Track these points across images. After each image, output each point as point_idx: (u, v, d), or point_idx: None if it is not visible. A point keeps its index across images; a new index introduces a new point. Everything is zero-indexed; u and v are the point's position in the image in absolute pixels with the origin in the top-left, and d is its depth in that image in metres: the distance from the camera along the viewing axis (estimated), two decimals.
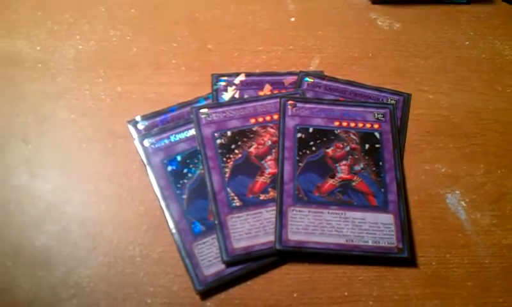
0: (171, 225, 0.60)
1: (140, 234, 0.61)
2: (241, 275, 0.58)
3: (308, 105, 0.68)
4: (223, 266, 0.58)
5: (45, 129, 0.68)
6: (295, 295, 0.57)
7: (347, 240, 0.59)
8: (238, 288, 0.58)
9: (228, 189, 0.62)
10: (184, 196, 0.62)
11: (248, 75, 0.72)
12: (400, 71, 0.75)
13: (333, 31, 0.79)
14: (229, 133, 0.66)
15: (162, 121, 0.67)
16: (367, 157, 0.65)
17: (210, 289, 0.57)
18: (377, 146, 0.66)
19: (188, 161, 0.64)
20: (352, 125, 0.67)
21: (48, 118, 0.69)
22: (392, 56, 0.77)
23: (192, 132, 0.66)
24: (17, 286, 0.57)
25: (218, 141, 0.65)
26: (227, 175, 0.63)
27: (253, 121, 0.67)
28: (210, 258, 0.58)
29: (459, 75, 0.75)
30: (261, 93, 0.70)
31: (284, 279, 0.58)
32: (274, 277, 0.58)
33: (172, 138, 0.65)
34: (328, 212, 0.60)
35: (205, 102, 0.69)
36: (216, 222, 0.60)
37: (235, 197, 0.61)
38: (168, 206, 0.61)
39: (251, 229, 0.60)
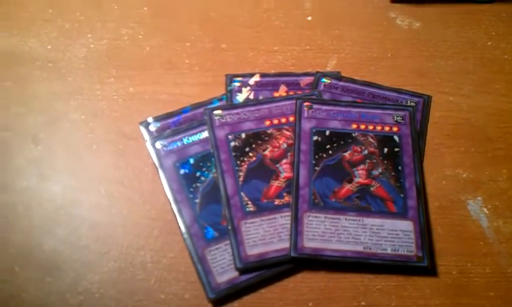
0: (183, 230, 0.58)
1: (151, 239, 0.59)
2: (255, 283, 0.56)
3: (324, 107, 0.66)
4: (236, 273, 0.56)
5: (55, 130, 0.66)
6: (310, 304, 0.56)
7: (364, 248, 0.57)
8: (252, 296, 0.56)
9: (242, 194, 0.60)
10: (197, 200, 0.60)
11: (262, 75, 0.70)
12: (420, 72, 0.73)
13: (350, 31, 0.77)
14: (243, 135, 0.64)
15: (175, 122, 0.66)
16: (385, 161, 0.63)
17: (222, 297, 0.55)
18: (396, 149, 0.64)
19: (201, 164, 0.62)
20: (371, 127, 0.65)
21: (59, 118, 0.67)
22: (412, 56, 0.74)
23: (205, 134, 0.64)
24: (26, 292, 0.56)
25: (232, 144, 0.63)
26: (241, 179, 0.61)
27: (268, 123, 0.65)
28: (223, 264, 0.57)
29: (480, 77, 0.73)
30: (276, 94, 0.68)
31: (299, 287, 0.57)
32: (289, 285, 0.57)
33: (185, 140, 0.64)
34: (345, 219, 0.59)
35: (218, 103, 0.68)
36: (229, 227, 0.58)
37: (249, 202, 0.60)
38: (180, 210, 0.59)
39: (266, 235, 0.58)
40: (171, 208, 0.60)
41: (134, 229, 0.60)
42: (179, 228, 0.59)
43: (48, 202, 0.62)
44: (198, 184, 0.61)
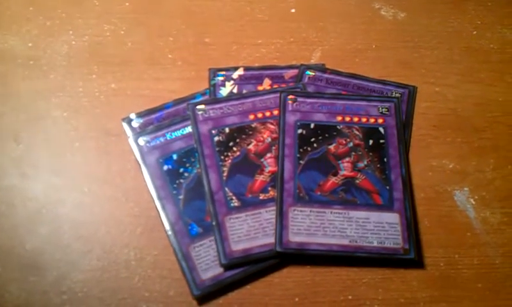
0: (167, 227, 0.58)
1: (135, 236, 0.58)
2: (240, 279, 0.56)
3: (309, 100, 0.65)
4: (221, 269, 0.55)
5: (37, 128, 0.65)
6: (296, 299, 0.55)
7: (350, 241, 0.56)
8: (237, 292, 0.56)
9: (226, 189, 0.59)
10: (181, 197, 0.59)
11: (246, 69, 0.69)
12: (405, 63, 0.72)
13: (334, 22, 0.76)
14: (227, 130, 0.63)
15: (158, 118, 0.65)
16: (370, 153, 0.62)
17: (207, 293, 0.55)
18: (381, 141, 0.63)
19: (184, 160, 0.61)
20: (356, 119, 0.64)
21: (40, 116, 0.66)
22: (397, 47, 0.74)
23: (188, 129, 0.63)
24: (8, 292, 0.55)
25: (215, 138, 0.62)
26: (225, 174, 0.60)
27: (252, 117, 0.64)
28: (207, 261, 0.56)
29: (466, 66, 0.72)
30: (260, 88, 0.68)
31: (285, 282, 0.56)
32: (275, 280, 0.56)
33: (168, 136, 0.63)
34: (331, 212, 0.58)
35: (202, 98, 0.67)
36: (214, 223, 0.57)
37: (234, 197, 0.59)
38: (163, 207, 0.59)
39: (250, 230, 0.57)
40: (155, 205, 0.59)
41: (117, 227, 0.59)
42: (163, 224, 0.58)
43: (30, 201, 0.61)
44: (182, 180, 0.60)
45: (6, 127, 0.65)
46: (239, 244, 0.56)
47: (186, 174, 0.61)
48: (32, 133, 0.65)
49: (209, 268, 0.56)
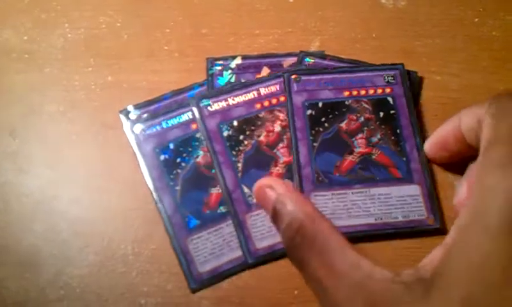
0: (165, 219, 0.57)
1: (132, 230, 0.58)
2: (239, 272, 0.55)
3: (313, 77, 0.64)
4: (219, 263, 0.55)
5: (33, 123, 0.65)
6: (296, 292, 0.54)
7: (376, 219, 0.56)
8: (236, 285, 0.55)
9: (243, 185, 0.58)
10: (177, 188, 0.58)
11: (244, 58, 0.68)
12: (406, 52, 0.70)
13: (334, 11, 0.74)
14: (235, 123, 0.62)
15: (156, 110, 0.64)
16: (383, 126, 0.61)
17: (205, 287, 0.54)
18: (392, 112, 0.62)
19: (181, 149, 0.60)
20: (363, 92, 0.63)
21: (36, 110, 0.65)
22: (397, 36, 0.72)
23: (185, 117, 0.62)
24: (5, 289, 0.55)
25: (225, 133, 0.61)
26: (240, 170, 0.59)
27: (258, 106, 0.63)
28: (205, 253, 0.55)
29: (468, 55, 0.71)
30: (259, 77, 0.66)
31: (284, 274, 0.55)
32: (274, 273, 0.55)
33: (164, 124, 0.62)
34: (352, 192, 0.57)
35: (200, 89, 0.66)
36: (235, 223, 0.56)
37: (252, 194, 0.58)
38: (160, 198, 0.58)
39: (272, 226, 0.55)
40: (152, 197, 0.58)
41: (114, 222, 0.58)
42: (160, 217, 0.57)
43: (26, 197, 0.60)
44: (179, 170, 0.59)
45: (1, 122, 0.65)
46: (262, 241, 0.56)
47: (183, 164, 0.59)
48: (29, 128, 0.64)
49: (207, 261, 0.55)
